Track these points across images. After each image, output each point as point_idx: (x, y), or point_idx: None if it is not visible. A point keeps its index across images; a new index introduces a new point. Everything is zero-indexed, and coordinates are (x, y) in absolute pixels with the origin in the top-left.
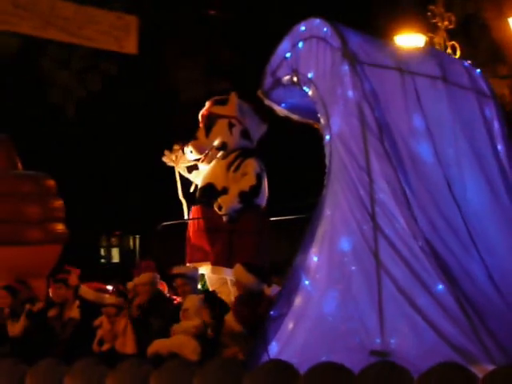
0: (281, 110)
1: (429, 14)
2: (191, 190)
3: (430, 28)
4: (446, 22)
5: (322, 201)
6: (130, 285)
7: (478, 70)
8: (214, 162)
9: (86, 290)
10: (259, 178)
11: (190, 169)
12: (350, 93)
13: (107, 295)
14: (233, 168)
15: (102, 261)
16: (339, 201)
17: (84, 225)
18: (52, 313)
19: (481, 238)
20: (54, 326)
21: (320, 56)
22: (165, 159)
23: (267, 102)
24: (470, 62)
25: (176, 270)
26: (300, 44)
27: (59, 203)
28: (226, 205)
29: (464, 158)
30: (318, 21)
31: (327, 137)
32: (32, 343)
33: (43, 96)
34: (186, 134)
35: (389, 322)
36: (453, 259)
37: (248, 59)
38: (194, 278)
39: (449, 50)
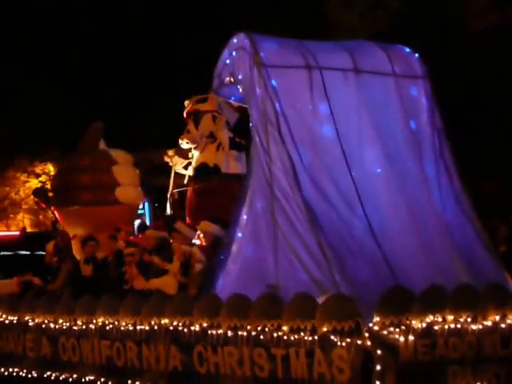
0: (234, 103)
1: None
2: None
3: None
4: None
5: (248, 172)
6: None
7: (416, 55)
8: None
9: (121, 244)
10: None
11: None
12: (258, 91)
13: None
14: (220, 148)
15: None
16: (255, 173)
17: None
18: (110, 260)
19: (369, 198)
20: (110, 269)
21: (244, 62)
22: (166, 159)
23: (219, 97)
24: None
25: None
26: (234, 53)
27: (133, 172)
28: None
29: (365, 134)
30: (243, 34)
31: (250, 124)
32: (96, 281)
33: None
34: None
35: (280, 263)
36: (334, 215)
37: None
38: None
39: None
